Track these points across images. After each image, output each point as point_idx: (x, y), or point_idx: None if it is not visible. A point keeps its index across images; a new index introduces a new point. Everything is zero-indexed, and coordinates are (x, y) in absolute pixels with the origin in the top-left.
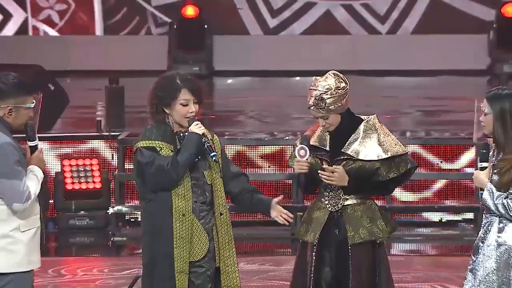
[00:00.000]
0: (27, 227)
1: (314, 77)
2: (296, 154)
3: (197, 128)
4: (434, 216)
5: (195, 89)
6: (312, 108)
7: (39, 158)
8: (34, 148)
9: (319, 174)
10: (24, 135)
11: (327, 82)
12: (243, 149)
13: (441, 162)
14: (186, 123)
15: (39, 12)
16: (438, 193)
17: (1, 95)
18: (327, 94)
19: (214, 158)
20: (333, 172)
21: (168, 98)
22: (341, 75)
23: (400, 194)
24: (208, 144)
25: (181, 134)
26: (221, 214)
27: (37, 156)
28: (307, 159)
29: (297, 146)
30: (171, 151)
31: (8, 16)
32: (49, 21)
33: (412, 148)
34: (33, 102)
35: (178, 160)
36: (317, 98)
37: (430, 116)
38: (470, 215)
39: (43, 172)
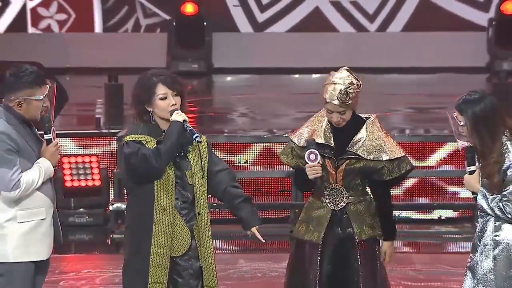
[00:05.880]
0: (26, 218)
1: (330, 72)
2: (306, 159)
3: (177, 116)
4: (433, 213)
5: (170, 81)
6: (335, 102)
7: (51, 152)
8: (49, 141)
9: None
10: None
11: (349, 78)
12: (242, 146)
13: (440, 159)
14: (169, 116)
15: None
16: (437, 190)
17: (10, 88)
18: (351, 89)
19: (197, 138)
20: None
21: (146, 96)
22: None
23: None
24: (190, 128)
25: None
26: (199, 214)
27: (48, 149)
28: (318, 162)
29: (291, 143)
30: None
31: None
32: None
33: (411, 145)
34: (44, 94)
35: (160, 148)
36: (342, 92)
37: (429, 113)
38: (468, 213)
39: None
